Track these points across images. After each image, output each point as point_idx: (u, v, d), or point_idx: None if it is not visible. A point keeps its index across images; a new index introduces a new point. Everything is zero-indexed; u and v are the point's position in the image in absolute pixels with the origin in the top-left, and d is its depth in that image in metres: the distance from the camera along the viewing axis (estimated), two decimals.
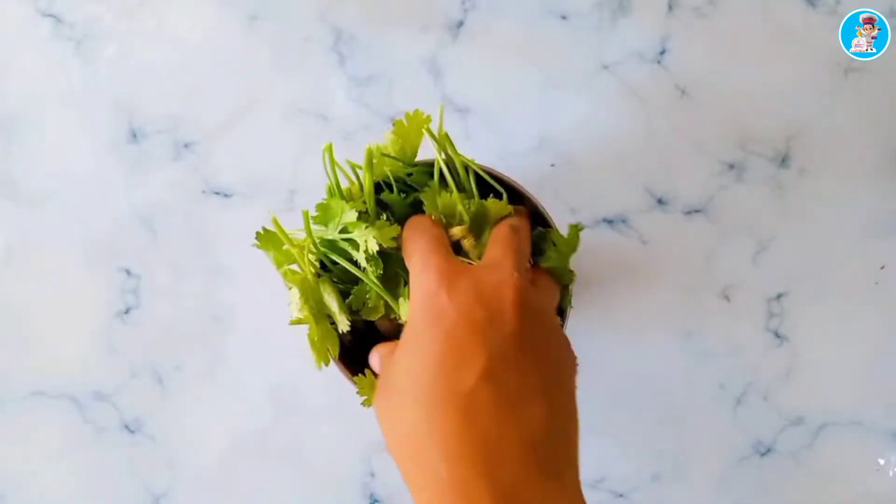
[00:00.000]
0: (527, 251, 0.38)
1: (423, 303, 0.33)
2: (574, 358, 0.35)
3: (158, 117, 0.55)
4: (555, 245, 0.41)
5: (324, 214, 0.38)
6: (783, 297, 0.54)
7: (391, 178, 0.40)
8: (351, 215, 0.37)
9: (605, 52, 0.54)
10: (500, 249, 0.35)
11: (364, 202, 0.38)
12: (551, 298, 0.39)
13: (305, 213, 0.37)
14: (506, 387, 0.30)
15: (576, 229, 0.40)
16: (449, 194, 0.38)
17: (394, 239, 0.37)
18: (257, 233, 0.39)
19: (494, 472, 0.28)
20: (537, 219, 0.43)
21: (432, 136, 0.38)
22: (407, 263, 0.36)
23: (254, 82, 0.55)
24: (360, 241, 0.36)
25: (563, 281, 0.41)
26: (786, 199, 0.54)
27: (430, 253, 0.34)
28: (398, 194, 0.40)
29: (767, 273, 0.54)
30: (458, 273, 0.33)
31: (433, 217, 0.38)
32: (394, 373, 0.33)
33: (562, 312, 0.43)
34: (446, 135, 0.38)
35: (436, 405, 0.30)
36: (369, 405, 0.37)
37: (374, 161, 0.38)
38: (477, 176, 0.41)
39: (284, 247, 0.38)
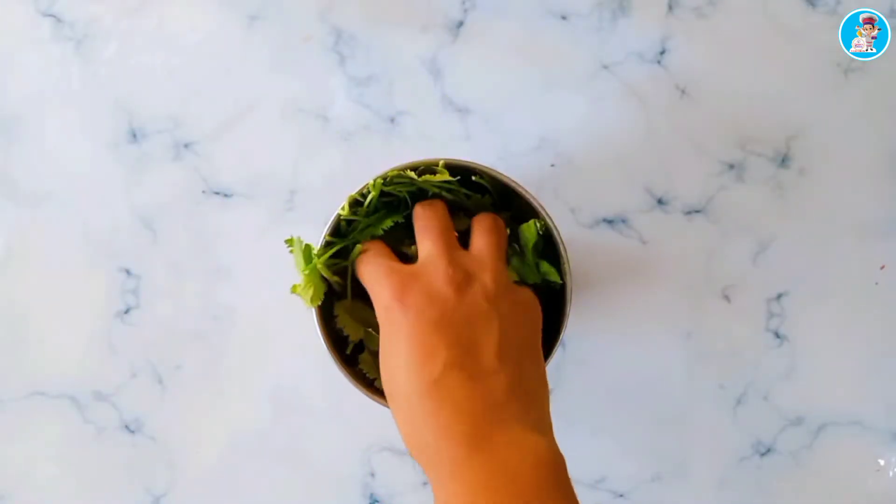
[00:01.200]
0: (503, 245, 0.42)
1: (383, 318, 0.39)
2: (536, 308, 0.40)
3: (158, 117, 0.55)
4: (519, 248, 0.43)
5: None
6: (783, 297, 0.54)
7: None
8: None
9: (605, 52, 0.54)
10: (428, 243, 0.41)
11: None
12: (497, 267, 0.41)
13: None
14: (469, 367, 0.36)
15: (535, 224, 0.42)
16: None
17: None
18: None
19: (474, 433, 0.35)
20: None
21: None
22: (364, 285, 0.41)
23: (254, 82, 0.55)
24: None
25: (529, 280, 0.43)
26: (786, 199, 0.54)
27: (380, 274, 0.40)
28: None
29: (767, 273, 0.54)
30: (407, 284, 0.38)
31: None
32: (384, 372, 0.39)
33: (560, 312, 0.43)
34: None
35: (418, 395, 0.36)
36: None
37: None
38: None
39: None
